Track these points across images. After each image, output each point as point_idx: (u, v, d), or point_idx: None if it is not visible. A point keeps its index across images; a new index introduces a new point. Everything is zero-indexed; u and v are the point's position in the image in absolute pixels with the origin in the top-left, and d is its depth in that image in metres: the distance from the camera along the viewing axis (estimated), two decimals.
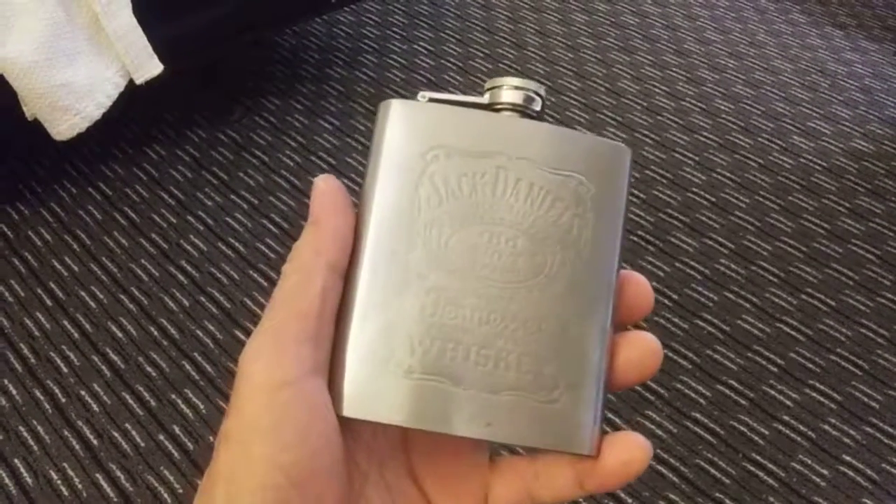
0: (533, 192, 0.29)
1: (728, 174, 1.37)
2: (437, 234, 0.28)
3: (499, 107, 0.30)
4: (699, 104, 1.52)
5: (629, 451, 0.28)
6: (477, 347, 0.28)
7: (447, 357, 0.28)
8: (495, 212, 0.29)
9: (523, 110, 0.30)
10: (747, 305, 1.15)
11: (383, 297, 0.28)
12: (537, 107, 0.30)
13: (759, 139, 1.45)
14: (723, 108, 1.52)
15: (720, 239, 1.25)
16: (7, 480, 0.92)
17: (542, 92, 0.31)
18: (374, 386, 0.27)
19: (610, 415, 1.00)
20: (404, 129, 0.29)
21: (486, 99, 0.31)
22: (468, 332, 0.28)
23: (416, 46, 1.64)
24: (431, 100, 0.30)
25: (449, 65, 1.59)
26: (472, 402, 0.28)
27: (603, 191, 0.29)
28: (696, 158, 1.40)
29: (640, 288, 0.29)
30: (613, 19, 1.76)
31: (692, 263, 1.21)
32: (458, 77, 1.56)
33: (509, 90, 0.30)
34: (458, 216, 0.29)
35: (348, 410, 0.27)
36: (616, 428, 0.98)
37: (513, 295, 0.28)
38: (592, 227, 0.29)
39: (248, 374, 0.26)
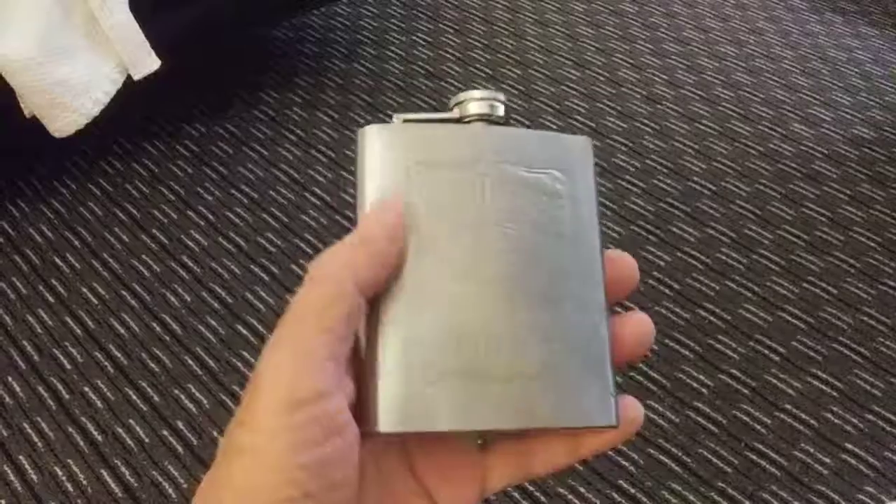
0: (517, 192, 0.31)
1: (728, 162, 1.37)
2: (440, 244, 0.30)
3: (468, 119, 0.32)
4: (699, 92, 1.52)
5: (628, 414, 0.30)
6: (497, 344, 0.29)
7: (476, 358, 0.29)
8: (487, 215, 0.30)
9: (489, 118, 0.32)
10: (748, 294, 1.15)
11: (402, 312, 0.29)
12: (502, 112, 0.33)
13: (760, 127, 1.44)
14: (723, 95, 1.51)
15: (721, 228, 1.25)
16: (12, 477, 0.93)
17: (503, 98, 0.33)
18: (407, 399, 0.28)
19: None
20: (385, 150, 0.31)
21: (455, 114, 0.33)
22: (488, 334, 0.29)
23: (414, 38, 1.63)
24: (406, 121, 0.32)
25: (447, 56, 1.59)
26: (504, 395, 0.29)
27: (575, 181, 0.32)
28: (697, 147, 1.40)
29: (625, 262, 0.32)
30: (612, 7, 1.75)
31: (693, 253, 1.21)
32: (456, 68, 1.55)
33: (475, 102, 0.32)
34: (454, 225, 0.30)
35: (387, 426, 0.28)
36: None
37: (519, 289, 0.30)
38: (574, 216, 0.31)
39: (267, 390, 0.26)
